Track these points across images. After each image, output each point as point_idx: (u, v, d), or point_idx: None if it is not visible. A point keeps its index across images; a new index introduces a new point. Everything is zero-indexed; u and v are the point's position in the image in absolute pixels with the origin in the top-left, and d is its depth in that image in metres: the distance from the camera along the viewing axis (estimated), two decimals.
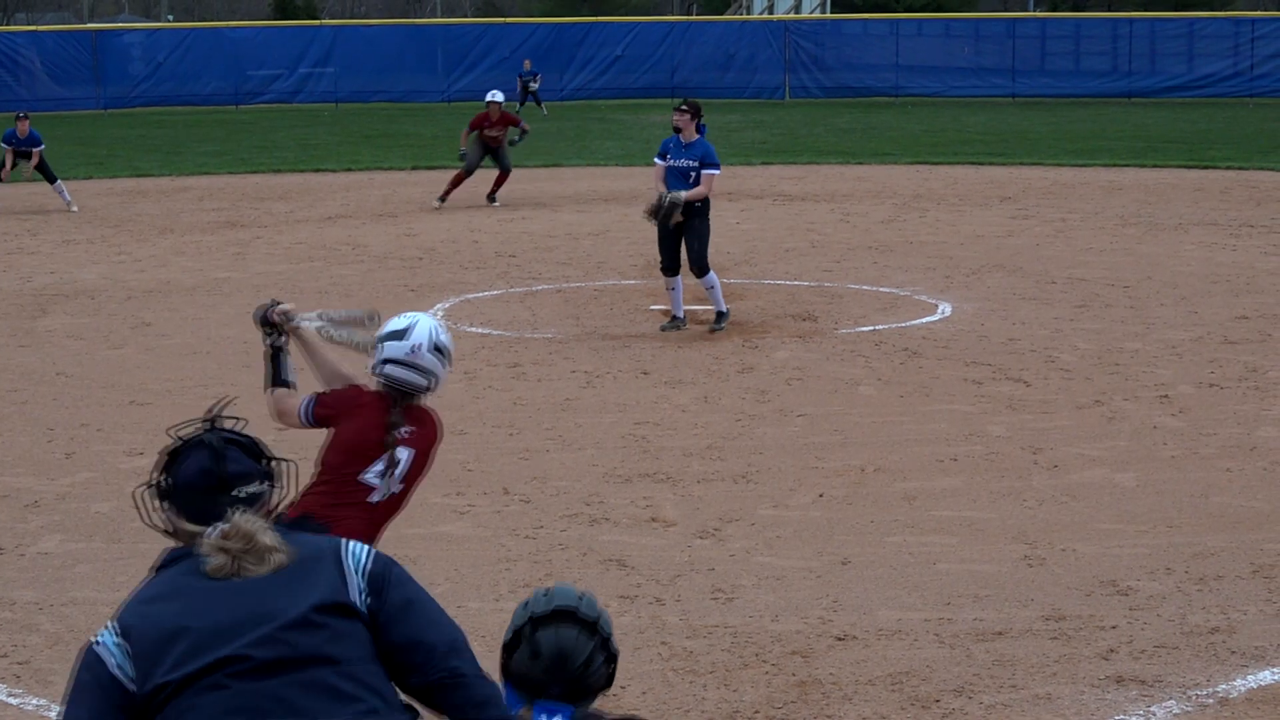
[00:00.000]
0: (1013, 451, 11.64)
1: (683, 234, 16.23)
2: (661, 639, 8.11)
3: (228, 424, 4.34)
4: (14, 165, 28.43)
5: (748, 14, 71.79)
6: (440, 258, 21.63)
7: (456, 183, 27.61)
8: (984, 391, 13.50)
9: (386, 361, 6.78)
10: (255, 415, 5.23)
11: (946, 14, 71.88)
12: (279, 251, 22.55)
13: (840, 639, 8.10)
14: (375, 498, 6.77)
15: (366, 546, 4.26)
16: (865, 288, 18.89)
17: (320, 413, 6.88)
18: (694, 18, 74.69)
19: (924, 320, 16.75)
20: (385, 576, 4.18)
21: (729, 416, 12.81)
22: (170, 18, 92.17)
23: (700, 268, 16.13)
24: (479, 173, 27.96)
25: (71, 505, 10.51)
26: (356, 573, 4.14)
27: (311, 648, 4.00)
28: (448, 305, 17.80)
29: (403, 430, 6.77)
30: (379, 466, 6.73)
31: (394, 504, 6.91)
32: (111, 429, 12.52)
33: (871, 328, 16.37)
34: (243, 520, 4.10)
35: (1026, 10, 76.07)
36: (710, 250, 16.33)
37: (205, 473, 4.21)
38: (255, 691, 3.91)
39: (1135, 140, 40.76)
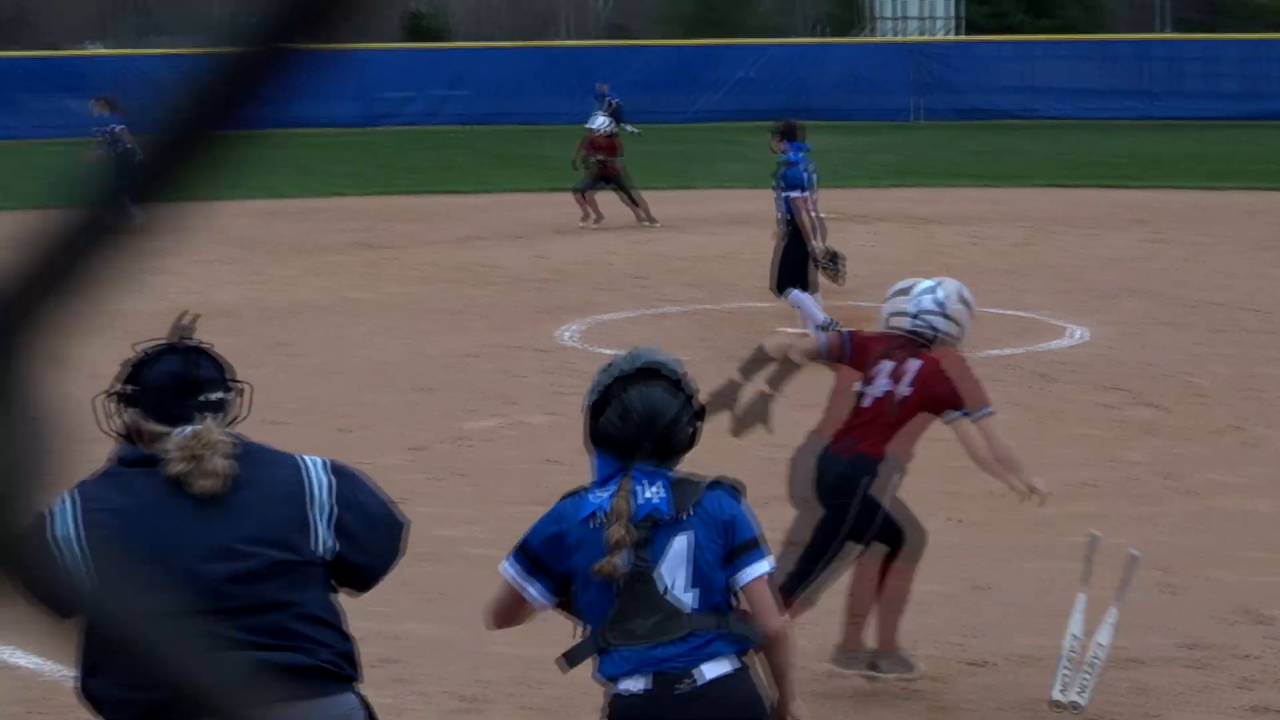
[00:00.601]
0: (1149, 477, 11.53)
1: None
2: (799, 664, 8.09)
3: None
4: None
5: (876, 36, 71.62)
6: (572, 279, 21.73)
7: (583, 200, 27.75)
8: (1119, 416, 13.37)
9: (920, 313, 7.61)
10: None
11: (1076, 36, 71.34)
12: (412, 272, 22.74)
13: (975, 665, 8.05)
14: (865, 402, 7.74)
15: (328, 469, 4.62)
16: (997, 311, 18.77)
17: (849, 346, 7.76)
18: (822, 40, 74.62)
19: (1058, 344, 16.63)
20: (346, 502, 4.55)
21: None
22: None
23: (777, 287, 16.34)
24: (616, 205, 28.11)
25: None
26: (323, 519, 4.49)
27: (269, 599, 4.35)
28: (580, 327, 17.87)
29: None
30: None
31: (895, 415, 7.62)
32: None
33: (1004, 352, 16.26)
34: (206, 430, 4.42)
35: (1155, 32, 75.38)
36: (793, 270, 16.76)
37: (175, 375, 4.53)
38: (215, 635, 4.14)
39: (1272, 163, 40.24)
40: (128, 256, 0.68)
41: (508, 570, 5.34)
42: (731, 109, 62.12)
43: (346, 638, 4.53)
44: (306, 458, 4.68)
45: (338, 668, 4.45)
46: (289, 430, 13.16)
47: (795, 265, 16.47)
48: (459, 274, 22.46)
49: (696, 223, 29.15)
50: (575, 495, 5.15)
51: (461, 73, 62.05)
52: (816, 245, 16.74)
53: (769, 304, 19.45)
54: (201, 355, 4.69)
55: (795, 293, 16.48)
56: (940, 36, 69.82)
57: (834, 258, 16.79)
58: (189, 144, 0.67)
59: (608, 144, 28.25)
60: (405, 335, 17.54)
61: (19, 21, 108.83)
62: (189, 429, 4.43)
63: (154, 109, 0.67)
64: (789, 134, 16.59)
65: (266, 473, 4.54)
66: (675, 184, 36.19)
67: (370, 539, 4.61)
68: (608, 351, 16.41)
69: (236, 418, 4.66)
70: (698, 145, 50.25)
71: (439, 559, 9.85)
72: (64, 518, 4.28)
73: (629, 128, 53.88)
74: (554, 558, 5.12)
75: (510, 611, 5.44)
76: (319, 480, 4.55)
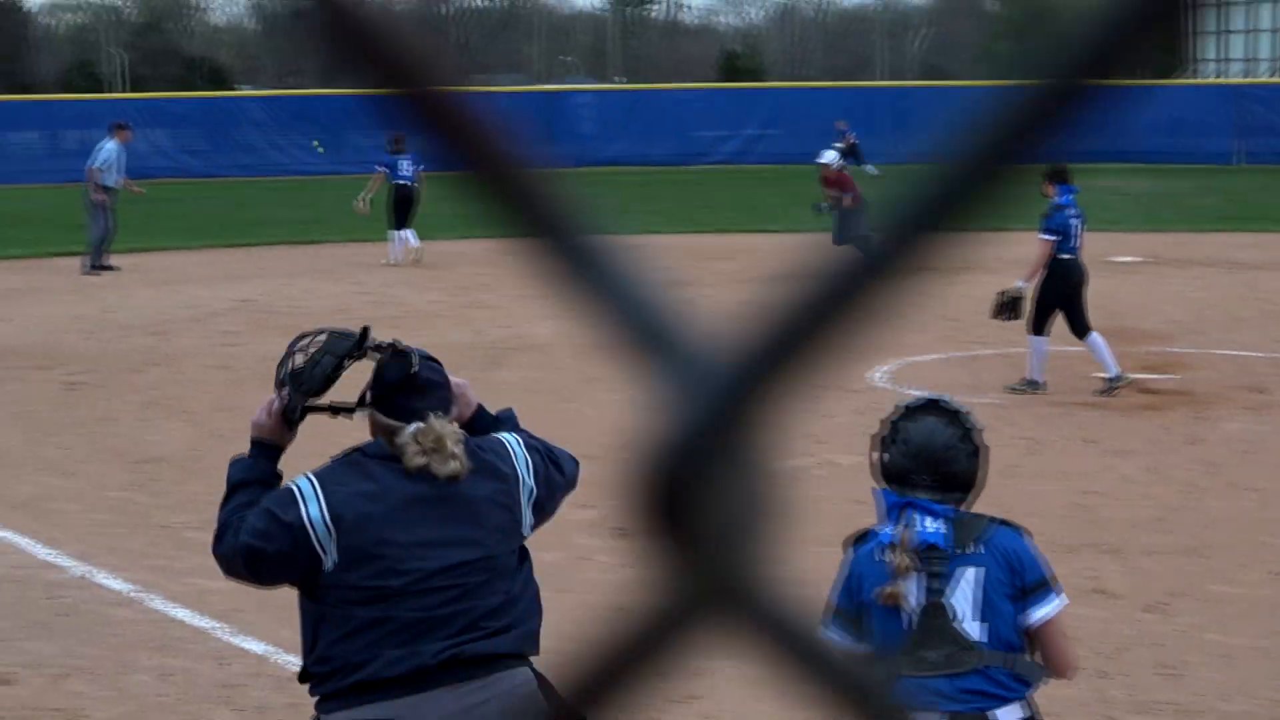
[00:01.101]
0: None
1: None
2: (1106, 713, 7.96)
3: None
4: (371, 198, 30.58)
5: (1198, 79, 70.11)
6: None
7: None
8: None
9: None
10: None
11: None
12: (720, 310, 22.84)
13: None
14: None
15: (519, 442, 5.30)
16: None
17: None
18: (1143, 82, 73.22)
19: None
20: (541, 465, 5.34)
21: (1177, 488, 12.51)
22: (620, 80, 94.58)
23: (1028, 328, 16.50)
24: None
25: None
26: (528, 501, 5.25)
27: (486, 584, 5.00)
28: (890, 368, 17.81)
29: None
30: None
31: None
32: None
33: None
34: (436, 423, 5.01)
35: None
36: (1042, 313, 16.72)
37: (405, 377, 5.10)
38: (434, 621, 4.86)
39: None
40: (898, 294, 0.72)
41: None
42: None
43: (534, 616, 5.22)
44: (508, 440, 5.30)
45: (524, 650, 5.09)
46: (604, 465, 13.36)
47: (1066, 307, 16.41)
48: None
49: (1010, 264, 28.78)
50: (861, 535, 5.38)
51: (775, 112, 62.24)
52: (1024, 284, 16.58)
53: (1079, 348, 19.17)
54: (432, 363, 5.29)
55: (1093, 336, 16.30)
56: (1265, 79, 68.03)
57: (1015, 302, 16.68)
58: (981, 176, 0.71)
59: (837, 179, 28.00)
60: None
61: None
62: (418, 425, 5.03)
63: (947, 139, 0.71)
64: (1058, 177, 16.34)
65: (485, 459, 5.14)
66: (994, 224, 35.73)
67: (551, 505, 5.44)
68: (918, 393, 16.35)
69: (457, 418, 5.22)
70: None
71: None
72: (311, 500, 4.95)
73: (869, 168, 53.84)
74: (849, 601, 5.27)
75: None
76: (524, 462, 5.28)
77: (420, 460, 4.98)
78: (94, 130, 61.26)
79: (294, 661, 8.54)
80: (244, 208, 43.48)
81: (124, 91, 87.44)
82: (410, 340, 16.88)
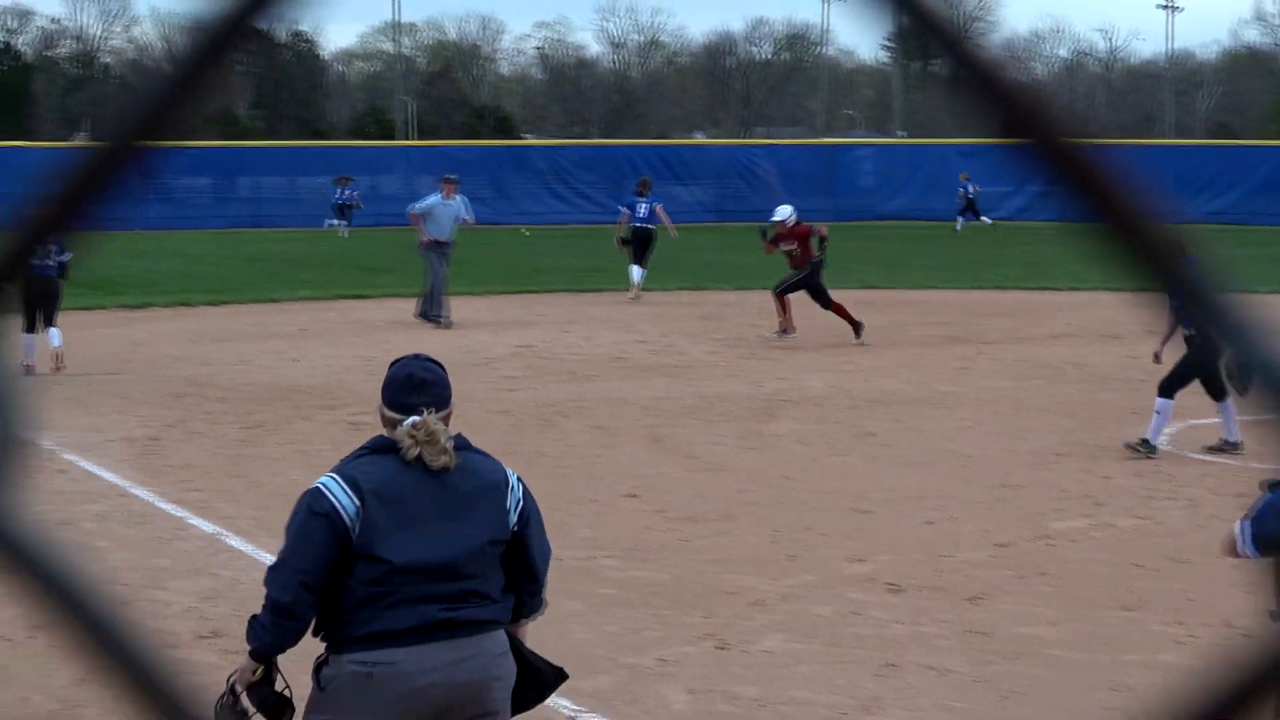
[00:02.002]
0: None
1: None
2: None
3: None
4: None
5: None
6: None
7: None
8: None
9: None
10: None
11: None
12: (1002, 368, 22.63)
13: None
14: None
15: (522, 483, 6.01)
16: None
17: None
18: None
19: None
20: (530, 513, 5.97)
21: None
22: (902, 134, 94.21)
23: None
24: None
25: (794, 606, 10.81)
26: (514, 509, 5.92)
27: (474, 569, 5.80)
28: (1172, 430, 17.42)
29: None
30: None
31: None
32: (833, 534, 12.82)
33: None
34: (429, 419, 5.81)
35: None
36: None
37: (408, 375, 5.98)
38: (436, 592, 5.72)
39: None
40: None
41: (1239, 526, 6.78)
42: None
43: (509, 599, 5.98)
44: (504, 470, 6.05)
45: (500, 620, 5.92)
46: (874, 519, 13.30)
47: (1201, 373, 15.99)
48: (1048, 371, 22.20)
49: None
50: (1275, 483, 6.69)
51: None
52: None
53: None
54: (433, 365, 6.11)
55: (1159, 400, 15.99)
56: None
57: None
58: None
59: (792, 233, 26.32)
60: (993, 430, 17.45)
61: (631, 113, 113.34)
62: (413, 419, 5.84)
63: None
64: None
65: (479, 467, 5.97)
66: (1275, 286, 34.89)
67: (537, 532, 6.03)
68: (1196, 457, 15.97)
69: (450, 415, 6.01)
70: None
71: (1017, 658, 9.75)
72: (340, 496, 5.74)
73: (985, 220, 52.92)
74: (1274, 525, 6.63)
75: (1229, 551, 6.93)
76: (513, 481, 5.99)
77: (415, 451, 5.79)
78: (382, 176, 62.95)
79: (568, 705, 8.63)
80: (527, 254, 44.14)
81: (412, 139, 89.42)
82: (684, 388, 16.87)
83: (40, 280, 22.01)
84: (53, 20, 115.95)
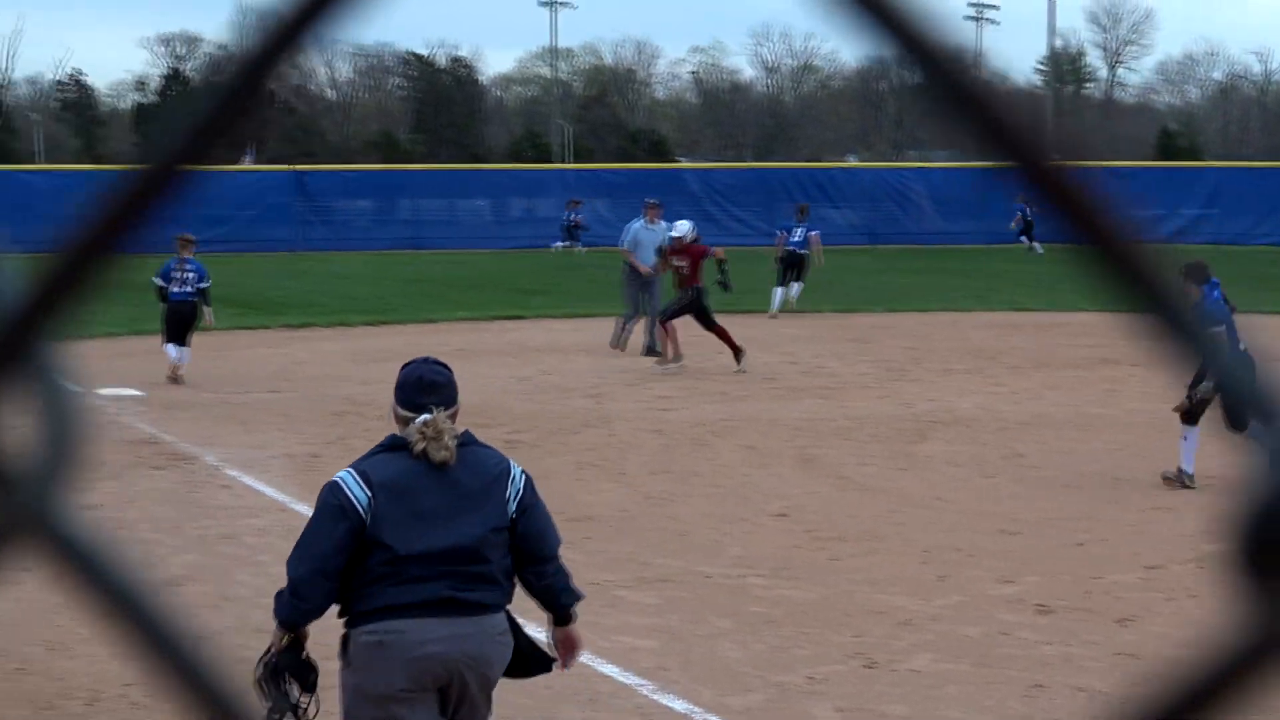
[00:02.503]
0: None
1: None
2: None
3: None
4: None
5: None
6: None
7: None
8: None
9: None
10: None
11: None
12: (1153, 390, 22.30)
13: None
14: None
15: (524, 475, 6.56)
16: None
17: None
18: None
19: None
20: (530, 502, 6.50)
21: None
22: (1054, 156, 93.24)
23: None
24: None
25: (943, 627, 10.75)
26: (514, 498, 6.45)
27: (478, 554, 6.34)
28: None
29: None
30: None
31: None
32: (982, 555, 12.73)
33: None
34: (437, 418, 6.38)
35: None
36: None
37: (418, 376, 6.54)
38: (441, 573, 6.28)
39: None
40: None
41: None
42: None
43: (512, 585, 6.54)
44: (510, 464, 6.59)
45: (502, 603, 6.46)
46: (1023, 540, 13.19)
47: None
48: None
49: None
50: None
51: (1215, 192, 60.56)
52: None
53: None
54: (441, 368, 6.67)
55: (1185, 428, 15.44)
56: None
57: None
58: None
59: (688, 249, 24.99)
60: (1143, 452, 17.22)
61: (784, 136, 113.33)
62: (424, 417, 6.39)
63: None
64: (1195, 276, 14.63)
65: (483, 460, 6.51)
66: None
67: (538, 518, 6.54)
68: None
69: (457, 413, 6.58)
70: None
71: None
72: (355, 489, 6.30)
73: (1036, 247, 52.23)
74: None
75: None
76: (515, 473, 6.53)
77: (421, 445, 6.34)
78: (539, 199, 63.36)
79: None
80: None
81: (568, 162, 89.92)
82: (834, 409, 16.82)
83: (179, 304, 22.86)
84: (219, 46, 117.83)
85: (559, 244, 57.66)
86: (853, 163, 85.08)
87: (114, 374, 22.74)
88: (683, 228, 25.19)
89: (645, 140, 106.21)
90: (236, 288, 41.10)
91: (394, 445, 6.45)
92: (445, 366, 6.70)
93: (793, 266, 34.08)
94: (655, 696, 9.22)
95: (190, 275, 23.31)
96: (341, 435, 18.27)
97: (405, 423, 6.46)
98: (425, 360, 6.73)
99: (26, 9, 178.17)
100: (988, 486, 15.59)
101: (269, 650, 6.53)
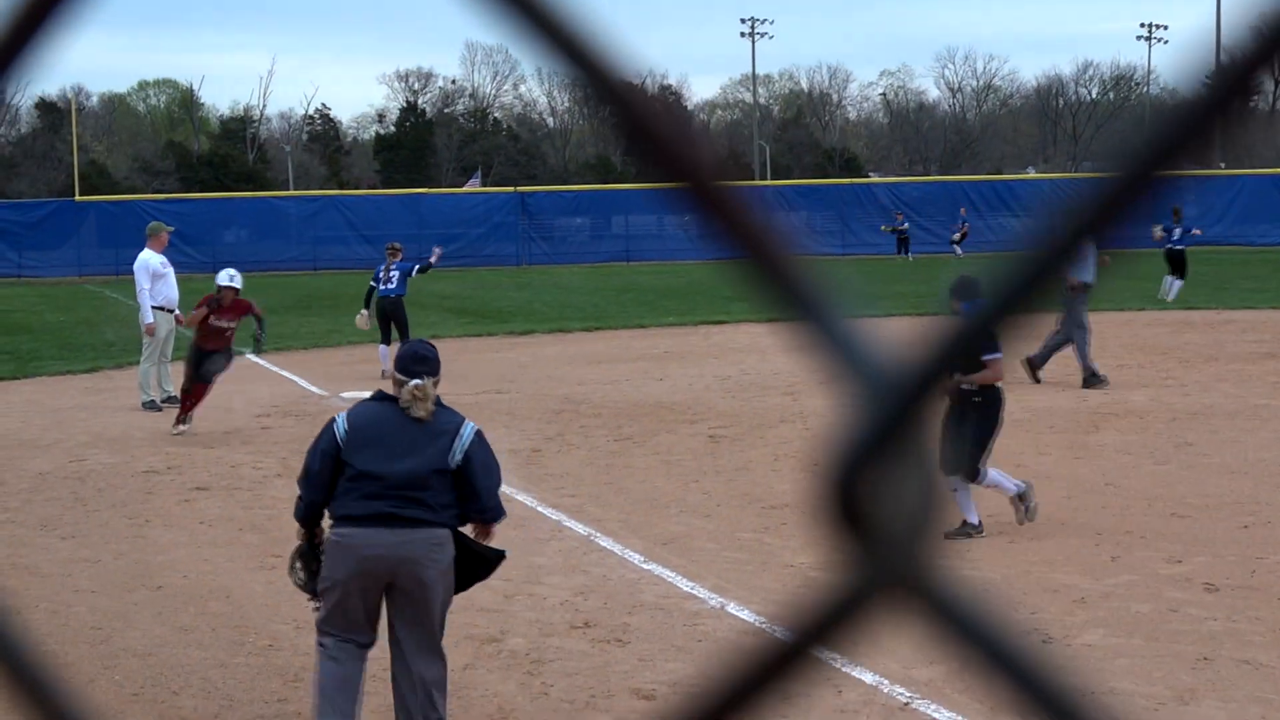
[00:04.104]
0: None
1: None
2: None
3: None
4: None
5: None
6: None
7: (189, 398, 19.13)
8: None
9: None
10: None
11: None
12: None
13: None
14: None
15: (475, 435, 7.83)
16: None
17: None
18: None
19: None
20: (474, 455, 7.74)
21: None
22: (1222, 165, 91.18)
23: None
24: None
25: (1114, 604, 10.55)
26: (459, 450, 7.71)
27: (421, 484, 7.65)
28: None
29: None
30: None
31: None
32: (1153, 537, 12.48)
33: None
34: (426, 385, 7.86)
35: None
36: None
37: (411, 352, 8.07)
38: (386, 493, 7.65)
39: None
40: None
41: None
42: None
43: (456, 517, 7.75)
44: (468, 425, 7.86)
45: (445, 523, 7.68)
46: (1192, 523, 12.90)
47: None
48: None
49: None
50: None
51: None
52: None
53: None
54: (430, 347, 8.17)
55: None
56: None
57: None
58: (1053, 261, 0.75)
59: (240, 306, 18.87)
60: None
61: (968, 151, 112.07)
62: (415, 382, 7.85)
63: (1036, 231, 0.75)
64: (963, 292, 12.91)
65: (442, 419, 7.82)
66: None
67: (480, 471, 7.75)
68: None
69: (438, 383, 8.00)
70: None
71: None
72: (340, 424, 7.83)
73: (958, 250, 50.64)
74: None
75: None
76: (466, 431, 7.80)
77: (409, 402, 7.80)
78: None
79: (903, 692, 8.58)
80: (873, 282, 43.97)
81: (767, 179, 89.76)
82: (1013, 403, 16.47)
83: (382, 300, 23.98)
84: (451, 81, 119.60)
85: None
86: (1032, 174, 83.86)
87: (349, 377, 23.18)
88: (226, 277, 18.88)
89: (839, 158, 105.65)
90: (467, 299, 41.65)
91: (381, 398, 7.98)
92: (433, 347, 8.23)
93: (1174, 263, 36.17)
94: (847, 669, 9.17)
95: (394, 274, 24.26)
96: (560, 431, 18.43)
97: (400, 385, 7.90)
98: (421, 341, 8.29)
99: (278, 51, 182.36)
100: (1159, 473, 15.27)
101: (297, 545, 8.18)
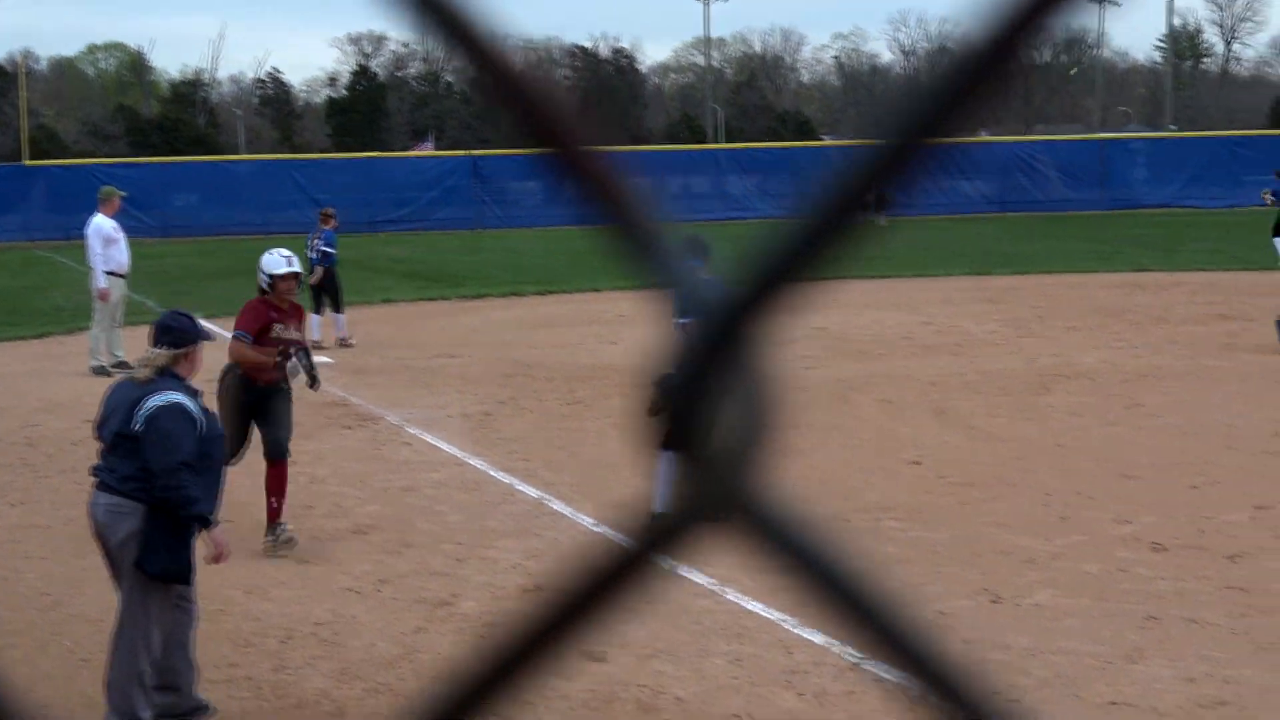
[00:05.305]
0: None
1: None
2: None
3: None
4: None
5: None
6: None
7: None
8: None
9: None
10: None
11: None
12: (1267, 343, 21.82)
13: None
14: None
15: (161, 406, 7.80)
16: None
17: None
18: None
19: None
20: (152, 422, 7.78)
21: None
22: (1173, 127, 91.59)
23: None
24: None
25: (1063, 564, 10.62)
26: (141, 418, 7.78)
27: (111, 448, 7.94)
28: None
29: None
30: None
31: None
32: (1102, 498, 12.55)
33: None
34: (158, 353, 8.05)
35: None
36: None
37: (161, 323, 8.18)
38: (102, 456, 8.04)
39: None
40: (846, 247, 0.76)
41: None
42: None
43: (141, 490, 7.77)
44: (164, 395, 7.83)
45: (128, 493, 7.79)
46: (1140, 484, 12.98)
47: None
48: None
49: None
50: None
51: None
52: None
53: None
54: (184, 318, 8.21)
55: None
56: None
57: None
58: (832, 228, 0.74)
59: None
60: (1258, 402, 16.88)
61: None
62: (153, 350, 8.04)
63: (810, 191, 0.75)
64: (692, 251, 11.48)
65: (150, 388, 7.88)
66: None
67: (152, 440, 7.75)
68: None
69: (189, 355, 8.14)
70: None
71: (1274, 612, 9.45)
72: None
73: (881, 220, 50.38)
74: None
75: None
76: (153, 401, 7.79)
77: (136, 364, 8.27)
78: (694, 177, 63.28)
79: (852, 652, 8.61)
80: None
81: (721, 142, 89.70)
82: (966, 365, 16.57)
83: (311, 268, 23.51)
84: (403, 44, 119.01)
85: None
86: (985, 137, 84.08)
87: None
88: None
89: (792, 121, 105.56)
90: (419, 263, 41.51)
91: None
92: (187, 317, 8.26)
93: None
94: (798, 631, 9.20)
95: (317, 242, 23.79)
96: (512, 395, 18.40)
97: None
98: (174, 312, 8.33)
99: (229, 16, 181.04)
100: (1108, 434, 15.35)
101: None
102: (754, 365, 0.79)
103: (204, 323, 8.82)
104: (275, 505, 11.55)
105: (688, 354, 0.78)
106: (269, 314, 11.81)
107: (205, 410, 8.05)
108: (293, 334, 11.92)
